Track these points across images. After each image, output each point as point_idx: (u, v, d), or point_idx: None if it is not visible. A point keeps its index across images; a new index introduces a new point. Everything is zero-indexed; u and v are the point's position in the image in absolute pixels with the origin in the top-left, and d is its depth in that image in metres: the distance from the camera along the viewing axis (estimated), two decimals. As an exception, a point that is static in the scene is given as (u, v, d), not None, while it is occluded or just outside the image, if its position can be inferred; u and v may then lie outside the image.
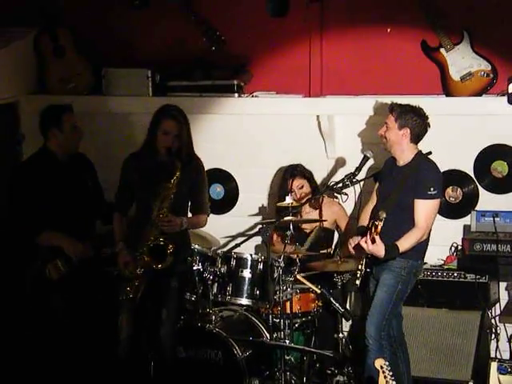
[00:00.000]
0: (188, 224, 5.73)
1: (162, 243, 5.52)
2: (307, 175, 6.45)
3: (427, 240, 5.59)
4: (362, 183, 5.82)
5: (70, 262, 5.68)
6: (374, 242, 5.36)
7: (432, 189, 5.49)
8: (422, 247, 5.59)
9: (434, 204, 5.53)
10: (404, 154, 5.62)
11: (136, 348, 5.70)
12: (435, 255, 6.27)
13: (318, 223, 6.33)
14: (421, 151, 5.64)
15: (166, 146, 5.62)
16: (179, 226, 5.64)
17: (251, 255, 5.93)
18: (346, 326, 6.28)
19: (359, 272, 5.55)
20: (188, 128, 5.75)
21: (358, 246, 5.53)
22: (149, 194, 5.61)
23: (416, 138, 5.59)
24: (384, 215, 5.31)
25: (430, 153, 5.69)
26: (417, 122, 5.56)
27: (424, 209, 5.49)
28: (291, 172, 6.43)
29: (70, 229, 5.68)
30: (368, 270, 5.62)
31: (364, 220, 5.72)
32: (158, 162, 5.68)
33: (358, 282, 5.56)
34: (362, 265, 5.56)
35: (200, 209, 5.83)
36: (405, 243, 5.44)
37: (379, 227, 5.33)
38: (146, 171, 5.69)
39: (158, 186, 5.59)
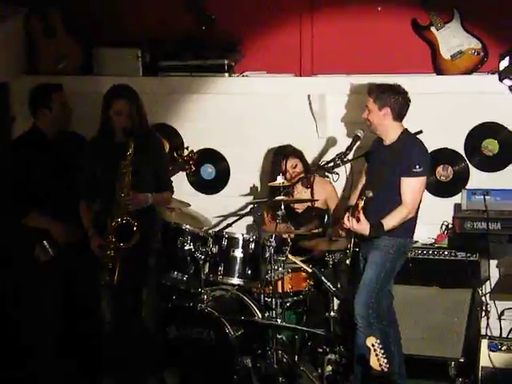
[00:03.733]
0: (154, 200, 5.61)
1: (124, 222, 5.44)
2: (299, 154, 6.44)
3: (415, 218, 5.59)
4: (352, 162, 5.82)
5: (57, 245, 5.65)
6: (358, 220, 5.37)
7: (417, 166, 5.47)
8: (409, 225, 5.58)
9: (419, 182, 5.52)
10: (389, 133, 5.61)
11: (122, 329, 5.64)
12: (426, 234, 6.29)
13: (309, 202, 6.34)
14: (406, 129, 5.64)
15: (121, 126, 5.53)
16: (144, 202, 5.54)
17: (243, 235, 5.94)
18: (338, 305, 6.30)
19: (348, 251, 5.59)
20: (139, 105, 5.62)
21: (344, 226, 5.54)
22: (112, 177, 5.48)
23: (398, 115, 5.58)
24: (370, 194, 5.30)
25: (420, 132, 5.69)
26: (396, 100, 5.54)
27: (409, 186, 5.48)
28: (282, 152, 6.41)
29: (58, 210, 5.63)
30: (357, 249, 5.66)
31: (353, 200, 5.67)
32: (116, 143, 5.58)
33: (347, 261, 5.59)
34: (350, 244, 5.59)
35: (161, 185, 5.71)
36: (390, 221, 5.44)
37: (360, 206, 5.32)
38: (105, 155, 5.58)
39: (118, 167, 5.49)
